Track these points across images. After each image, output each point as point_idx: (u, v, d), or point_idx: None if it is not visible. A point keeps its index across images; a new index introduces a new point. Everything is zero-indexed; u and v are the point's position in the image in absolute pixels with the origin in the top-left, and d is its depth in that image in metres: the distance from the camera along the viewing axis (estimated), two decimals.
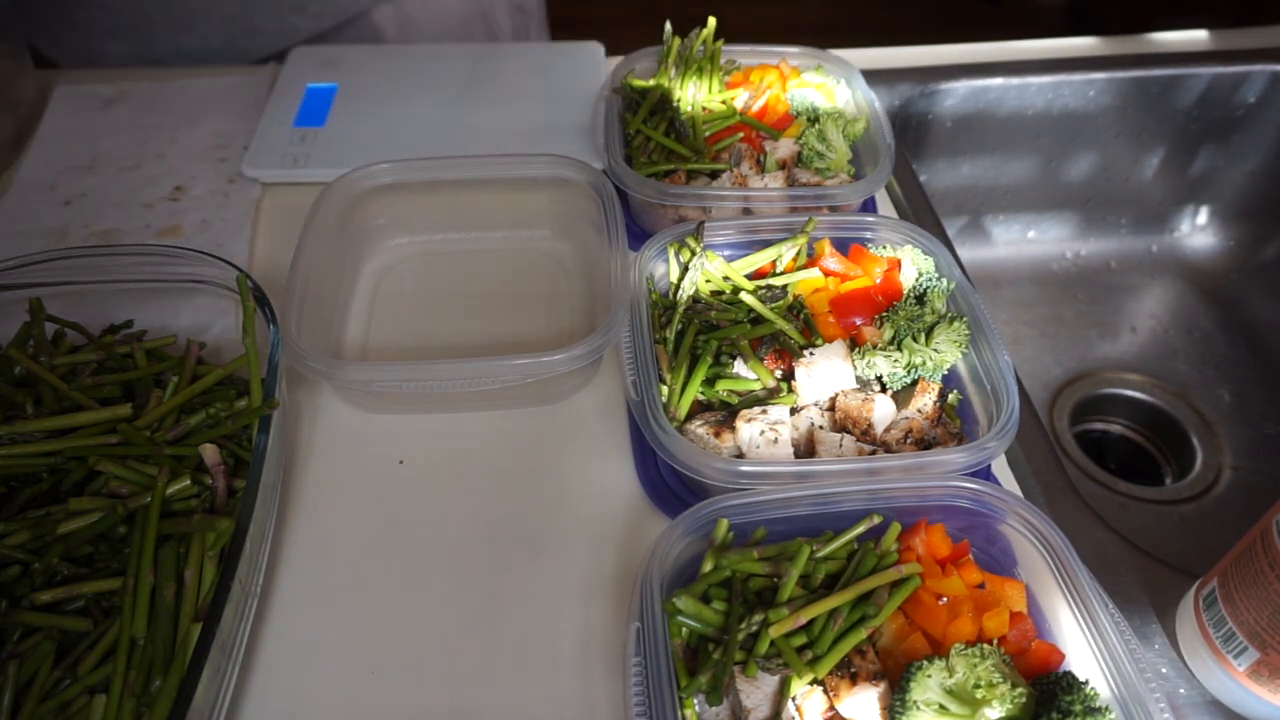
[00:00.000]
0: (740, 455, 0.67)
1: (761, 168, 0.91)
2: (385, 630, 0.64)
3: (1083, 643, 0.56)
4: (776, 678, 0.55)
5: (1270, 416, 1.13)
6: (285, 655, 0.62)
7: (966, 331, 0.72)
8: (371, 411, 0.77)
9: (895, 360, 0.71)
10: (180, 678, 0.54)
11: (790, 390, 0.71)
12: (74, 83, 1.09)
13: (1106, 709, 0.51)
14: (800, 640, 0.55)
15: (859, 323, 0.74)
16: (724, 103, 0.96)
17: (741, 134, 0.93)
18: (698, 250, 0.75)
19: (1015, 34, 1.22)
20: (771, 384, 0.71)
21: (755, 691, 0.54)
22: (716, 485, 0.63)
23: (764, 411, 0.68)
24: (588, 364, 0.71)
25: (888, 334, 0.73)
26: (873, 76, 1.04)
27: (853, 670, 0.54)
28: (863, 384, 0.73)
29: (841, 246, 0.80)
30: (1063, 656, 0.57)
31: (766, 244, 0.80)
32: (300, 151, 0.98)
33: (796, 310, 0.75)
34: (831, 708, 0.54)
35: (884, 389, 0.73)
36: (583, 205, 0.87)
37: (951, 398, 0.72)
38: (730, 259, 0.79)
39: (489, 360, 0.69)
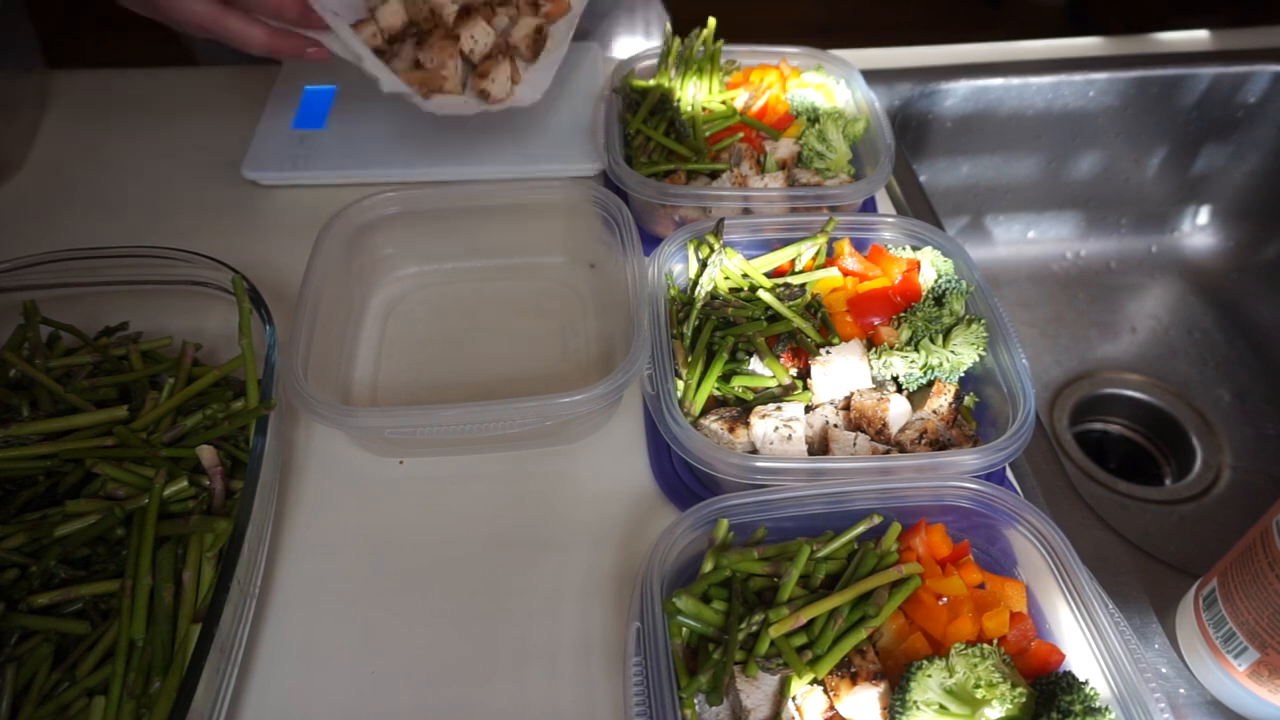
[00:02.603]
0: (754, 451, 0.67)
1: (761, 168, 0.91)
2: (385, 630, 0.64)
3: (1083, 643, 0.56)
4: (776, 678, 0.55)
5: (1270, 416, 1.13)
6: (285, 655, 0.62)
7: (984, 334, 0.72)
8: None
9: (912, 361, 0.71)
10: (179, 679, 0.54)
11: (806, 388, 0.71)
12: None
13: (1106, 709, 0.51)
14: (800, 640, 0.55)
15: (876, 323, 0.74)
16: (724, 103, 0.96)
17: (741, 134, 0.93)
18: (717, 247, 0.75)
19: (1016, 34, 1.22)
20: (787, 381, 0.71)
21: (755, 691, 0.54)
22: (730, 480, 0.64)
23: (779, 408, 0.68)
24: (609, 404, 0.69)
25: (905, 334, 0.73)
26: (873, 76, 1.04)
27: (853, 670, 0.54)
28: (878, 384, 0.73)
29: (859, 246, 0.80)
30: (1063, 656, 0.57)
31: (770, 243, 0.80)
32: (300, 154, 0.98)
33: (814, 309, 0.75)
34: (831, 708, 0.54)
35: (900, 389, 0.73)
36: (596, 229, 0.85)
37: (968, 400, 0.72)
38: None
39: (505, 403, 0.66)
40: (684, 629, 0.57)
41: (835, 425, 0.70)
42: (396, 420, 0.67)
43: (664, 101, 0.94)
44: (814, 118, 0.94)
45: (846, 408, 0.71)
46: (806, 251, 0.79)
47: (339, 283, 0.80)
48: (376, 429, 0.69)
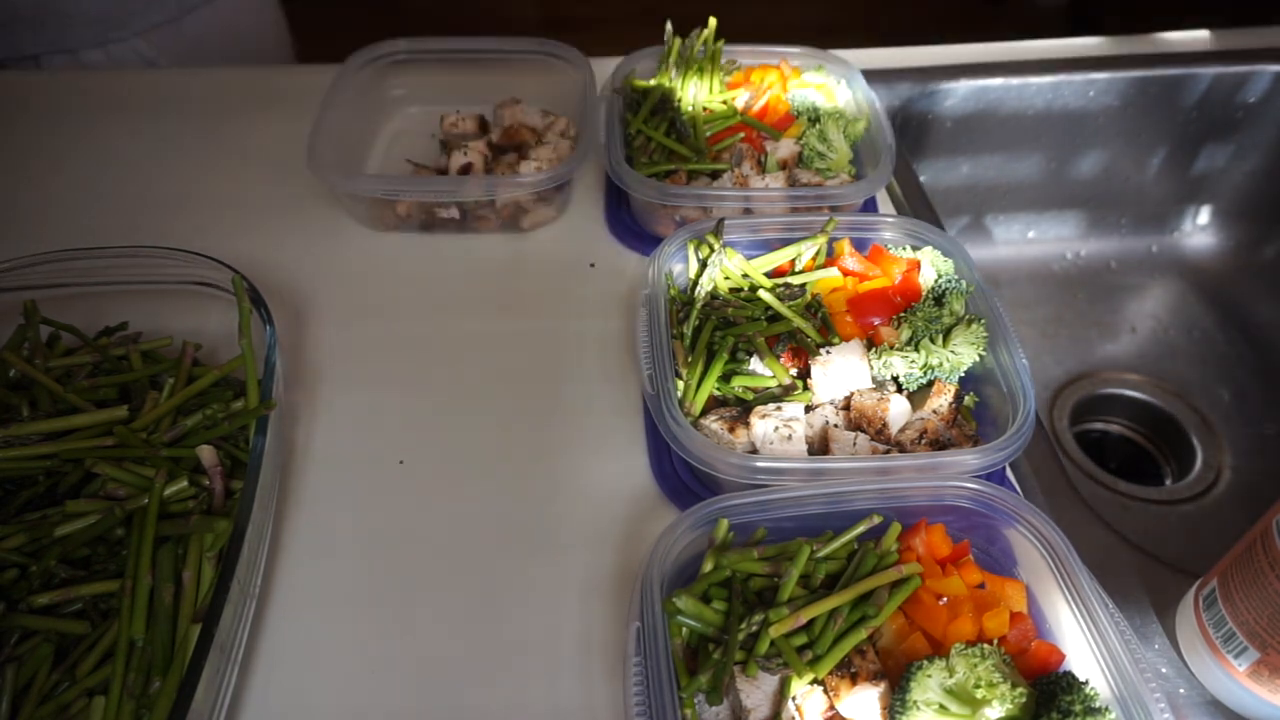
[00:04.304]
0: (754, 451, 0.67)
1: (762, 168, 0.91)
2: (385, 630, 0.64)
3: (1083, 643, 0.56)
4: (776, 678, 0.55)
5: (1270, 416, 1.13)
6: (284, 655, 0.62)
7: (984, 334, 0.72)
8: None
9: (912, 361, 0.71)
10: (179, 679, 0.54)
11: (806, 388, 0.71)
12: None
13: (1106, 709, 0.51)
14: (800, 640, 0.55)
15: (876, 323, 0.74)
16: (725, 103, 0.96)
17: (742, 134, 0.93)
18: (717, 247, 0.75)
19: (1016, 34, 1.22)
20: (787, 381, 0.71)
21: (755, 691, 0.54)
22: (730, 480, 0.64)
23: (779, 408, 0.68)
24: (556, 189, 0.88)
25: (905, 334, 0.73)
26: (873, 76, 1.04)
27: (853, 670, 0.54)
28: (878, 384, 0.73)
29: (859, 246, 0.80)
30: (1063, 656, 0.57)
31: (770, 243, 0.80)
32: None
33: (814, 309, 0.75)
34: (831, 708, 0.54)
35: (900, 389, 0.73)
36: (572, 86, 1.00)
37: (968, 400, 0.72)
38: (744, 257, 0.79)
39: (476, 177, 0.90)
40: (684, 629, 0.57)
41: (835, 425, 0.70)
42: (391, 186, 0.87)
43: (665, 102, 0.94)
44: (815, 118, 0.94)
45: (846, 408, 0.71)
46: (806, 251, 0.79)
47: (354, 108, 0.97)
48: (372, 190, 0.87)
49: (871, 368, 0.72)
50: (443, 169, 0.95)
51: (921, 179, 1.09)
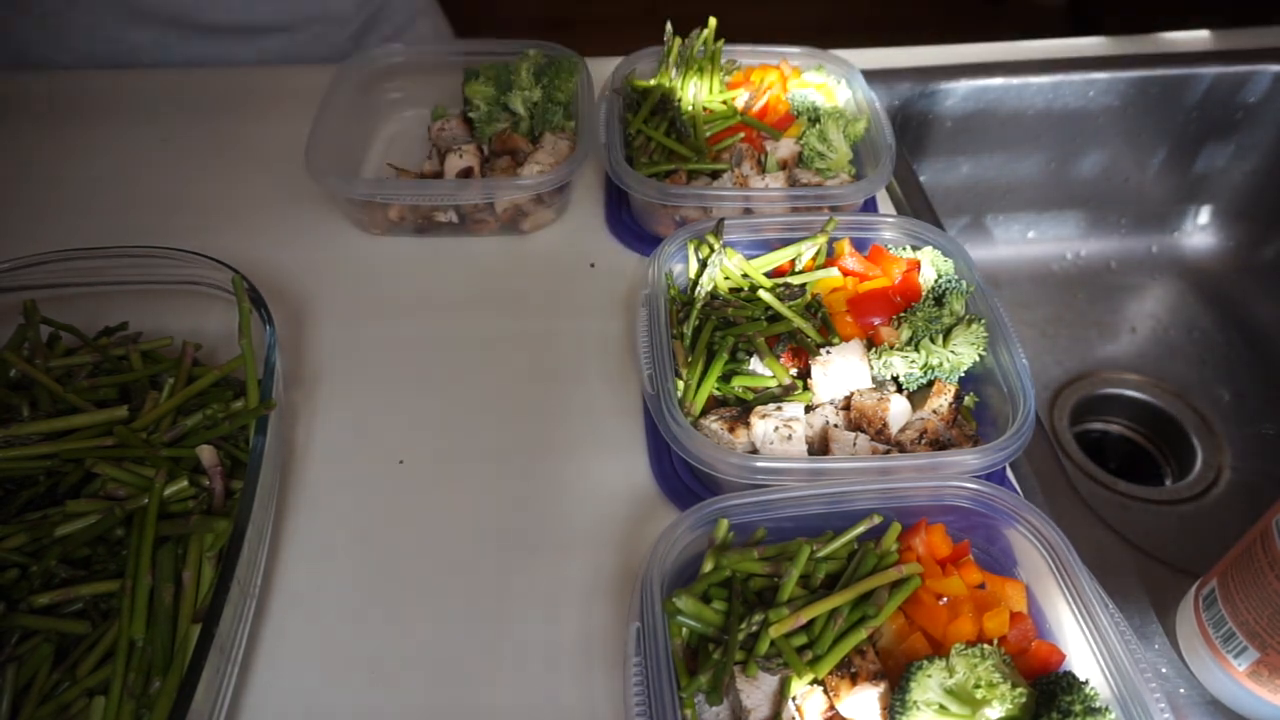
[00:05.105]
0: (754, 451, 0.67)
1: (762, 168, 0.91)
2: (385, 630, 0.64)
3: (1083, 643, 0.56)
4: (776, 678, 0.55)
5: (1270, 416, 1.13)
6: (285, 655, 0.62)
7: (984, 334, 0.72)
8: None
9: (912, 361, 0.71)
10: (179, 679, 0.54)
11: (806, 388, 0.71)
12: None
13: (1106, 709, 0.51)
14: (800, 640, 0.55)
15: (876, 323, 0.74)
16: (725, 103, 0.96)
17: (742, 134, 0.93)
18: (717, 247, 0.75)
19: (1016, 34, 1.22)
20: (787, 381, 0.71)
21: (755, 691, 0.54)
22: (730, 480, 0.64)
23: (779, 408, 0.68)
24: (555, 190, 0.88)
25: (905, 334, 0.73)
26: (873, 76, 1.04)
27: (853, 670, 0.54)
28: (878, 384, 0.73)
29: (859, 246, 0.80)
30: (1063, 656, 0.57)
31: (770, 243, 0.80)
32: None
33: (814, 309, 0.75)
34: (831, 708, 0.54)
35: (900, 389, 0.73)
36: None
37: (968, 400, 0.72)
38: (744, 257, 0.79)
39: (476, 181, 0.89)
40: (684, 629, 0.57)
41: (835, 425, 0.70)
42: (391, 190, 0.88)
43: (665, 101, 0.94)
44: (815, 118, 0.94)
45: (846, 408, 0.71)
46: (807, 251, 0.79)
47: (350, 114, 0.97)
48: (370, 194, 0.87)
49: (871, 368, 0.72)
50: (426, 174, 0.94)
51: (921, 179, 1.09)
